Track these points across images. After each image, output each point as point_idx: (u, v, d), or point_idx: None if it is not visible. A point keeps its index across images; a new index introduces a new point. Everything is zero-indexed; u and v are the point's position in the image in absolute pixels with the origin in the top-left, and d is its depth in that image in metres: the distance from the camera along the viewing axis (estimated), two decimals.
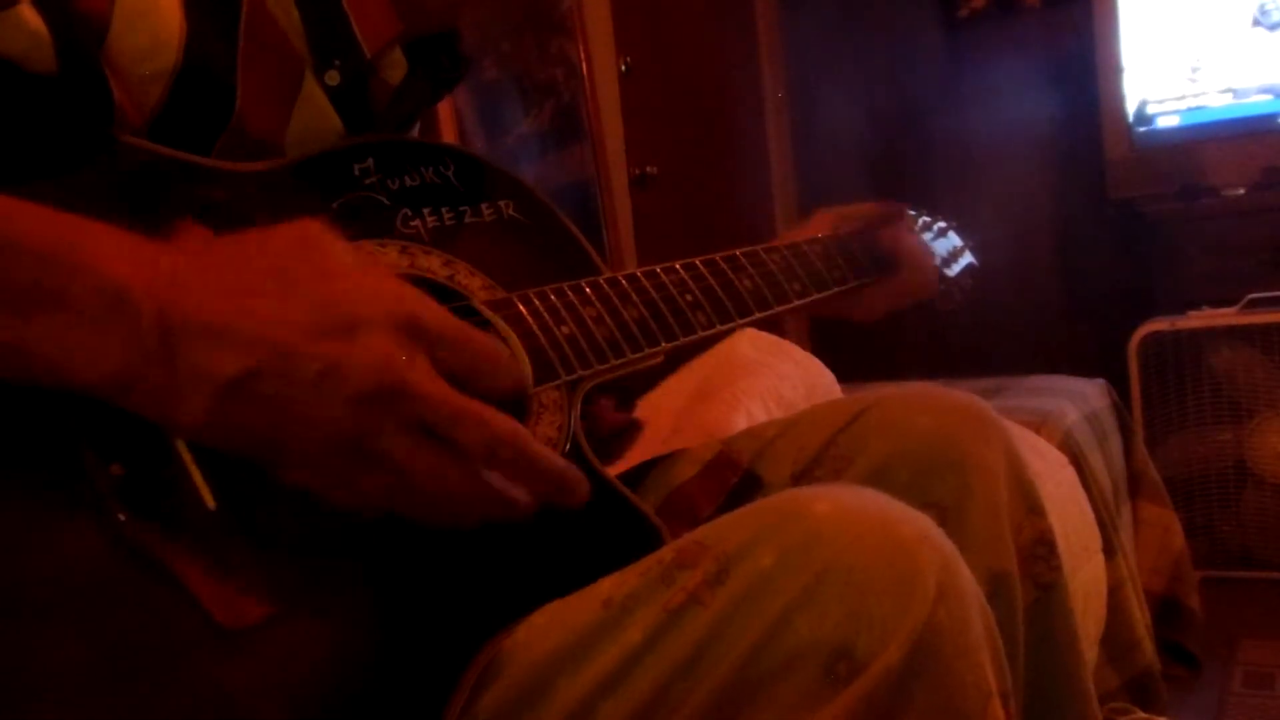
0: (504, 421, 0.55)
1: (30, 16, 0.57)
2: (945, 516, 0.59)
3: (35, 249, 0.49)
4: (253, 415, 0.51)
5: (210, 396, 0.50)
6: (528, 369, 0.70)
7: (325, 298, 0.53)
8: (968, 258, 1.29)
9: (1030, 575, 0.81)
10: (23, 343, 0.49)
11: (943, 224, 1.28)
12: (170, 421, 0.52)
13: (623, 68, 2.69)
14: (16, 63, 0.58)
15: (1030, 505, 0.82)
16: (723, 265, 0.89)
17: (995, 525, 0.78)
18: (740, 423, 1.71)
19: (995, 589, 0.76)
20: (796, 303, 0.94)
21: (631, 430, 1.68)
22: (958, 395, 0.84)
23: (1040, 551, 0.81)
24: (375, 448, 0.53)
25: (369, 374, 0.52)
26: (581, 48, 2.47)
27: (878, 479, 0.78)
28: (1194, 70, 2.88)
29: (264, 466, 0.54)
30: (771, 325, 1.85)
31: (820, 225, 1.05)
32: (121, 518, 0.52)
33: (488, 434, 0.55)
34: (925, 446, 0.80)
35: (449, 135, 1.97)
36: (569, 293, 0.76)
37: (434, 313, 0.56)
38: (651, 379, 1.86)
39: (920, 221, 1.24)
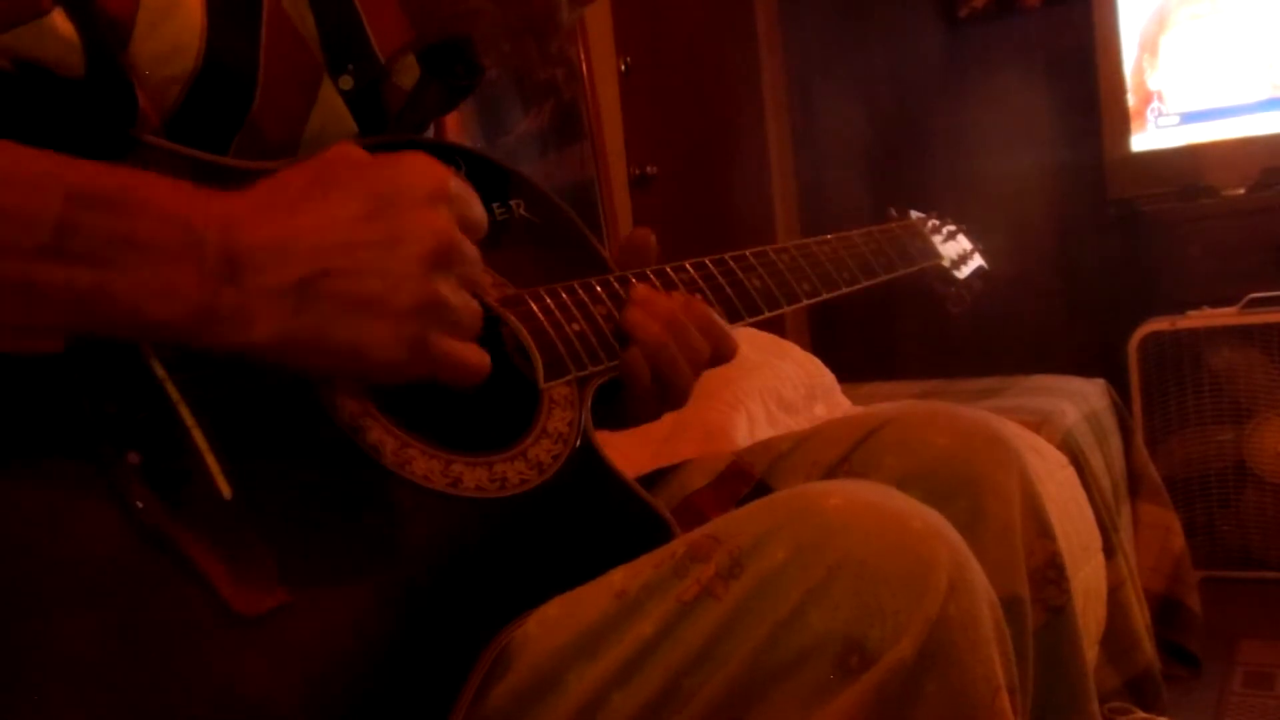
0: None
1: (61, 23, 0.58)
2: None
3: (98, 197, 0.51)
4: (326, 316, 0.54)
5: (282, 308, 0.53)
6: (538, 360, 0.72)
7: (364, 189, 0.57)
8: (977, 260, 1.30)
9: (1041, 598, 0.81)
10: (102, 289, 0.50)
11: (952, 226, 1.28)
12: (249, 342, 0.54)
13: (623, 68, 2.70)
14: (48, 68, 0.58)
15: (1041, 529, 0.82)
16: (732, 264, 0.89)
17: (1008, 548, 0.78)
18: (740, 422, 1.71)
19: (1007, 611, 0.76)
20: (805, 302, 0.94)
21: None
22: (974, 415, 0.84)
23: (1051, 575, 0.82)
24: (445, 302, 0.57)
25: (429, 237, 0.57)
26: (581, 48, 2.47)
27: None
28: (1194, 70, 2.89)
29: (342, 373, 0.58)
30: (772, 325, 1.85)
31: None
32: (139, 505, 0.52)
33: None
34: (940, 466, 0.79)
35: (450, 134, 1.97)
36: (579, 290, 0.77)
37: (455, 178, 0.60)
38: None
39: (930, 223, 1.24)
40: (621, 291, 0.80)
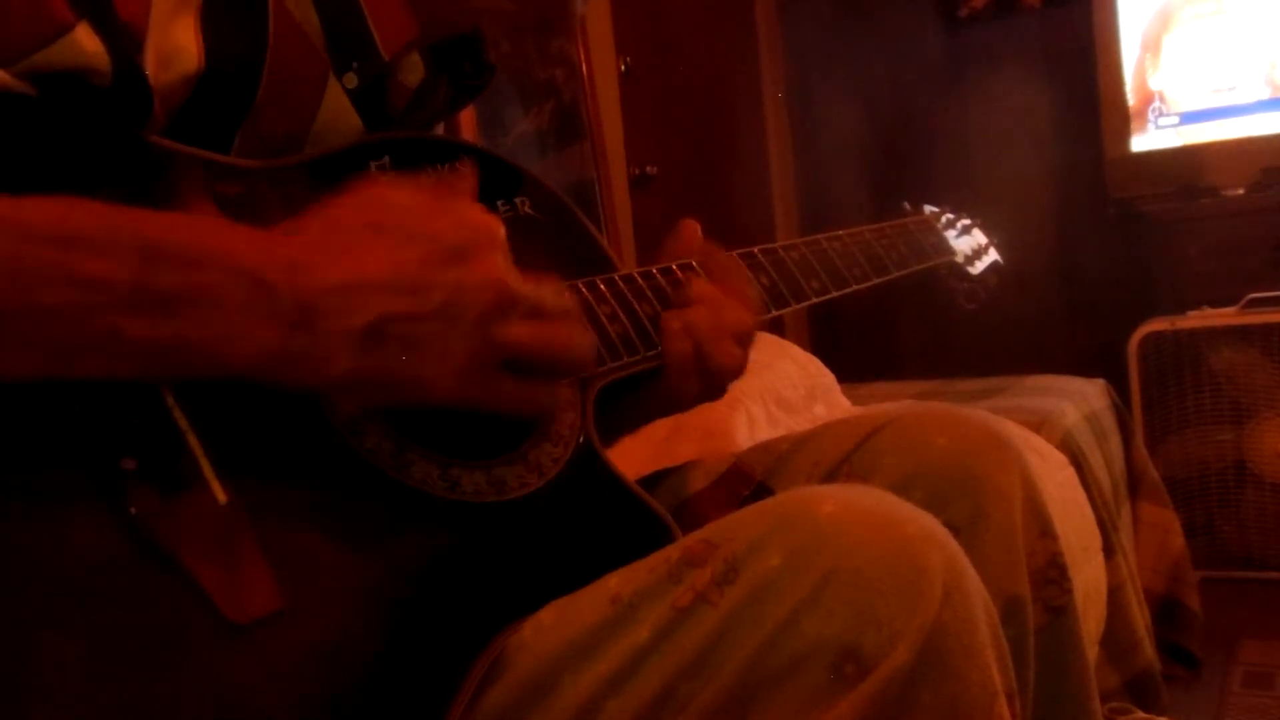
0: (560, 286, 0.68)
1: (86, 37, 0.58)
2: (959, 538, 0.59)
3: (170, 252, 0.53)
4: (392, 356, 0.57)
5: (353, 350, 0.56)
6: None
7: (425, 233, 0.59)
8: (992, 255, 1.29)
9: (1042, 599, 0.81)
10: (182, 340, 0.53)
11: (967, 221, 1.28)
12: (322, 381, 0.57)
13: (623, 68, 2.70)
14: (79, 78, 0.59)
15: (1043, 529, 0.82)
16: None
17: (1009, 548, 0.78)
18: (740, 423, 1.71)
19: (1008, 612, 0.76)
20: (815, 299, 0.94)
21: None
22: (975, 416, 0.84)
23: (1052, 575, 0.81)
24: (506, 353, 0.61)
25: (486, 292, 0.59)
26: (581, 48, 2.47)
27: None
28: (1195, 71, 2.89)
29: (411, 404, 0.60)
30: (772, 325, 1.85)
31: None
32: (133, 511, 0.52)
33: (565, 294, 0.67)
34: (941, 467, 0.79)
35: (450, 134, 1.97)
36: (583, 290, 0.77)
37: (498, 223, 0.63)
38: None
39: (944, 218, 1.23)
40: (627, 290, 0.79)
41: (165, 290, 0.52)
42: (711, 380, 0.82)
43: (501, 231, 0.62)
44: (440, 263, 0.58)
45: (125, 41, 0.60)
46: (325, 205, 0.60)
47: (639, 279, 0.81)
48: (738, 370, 0.82)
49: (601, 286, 0.78)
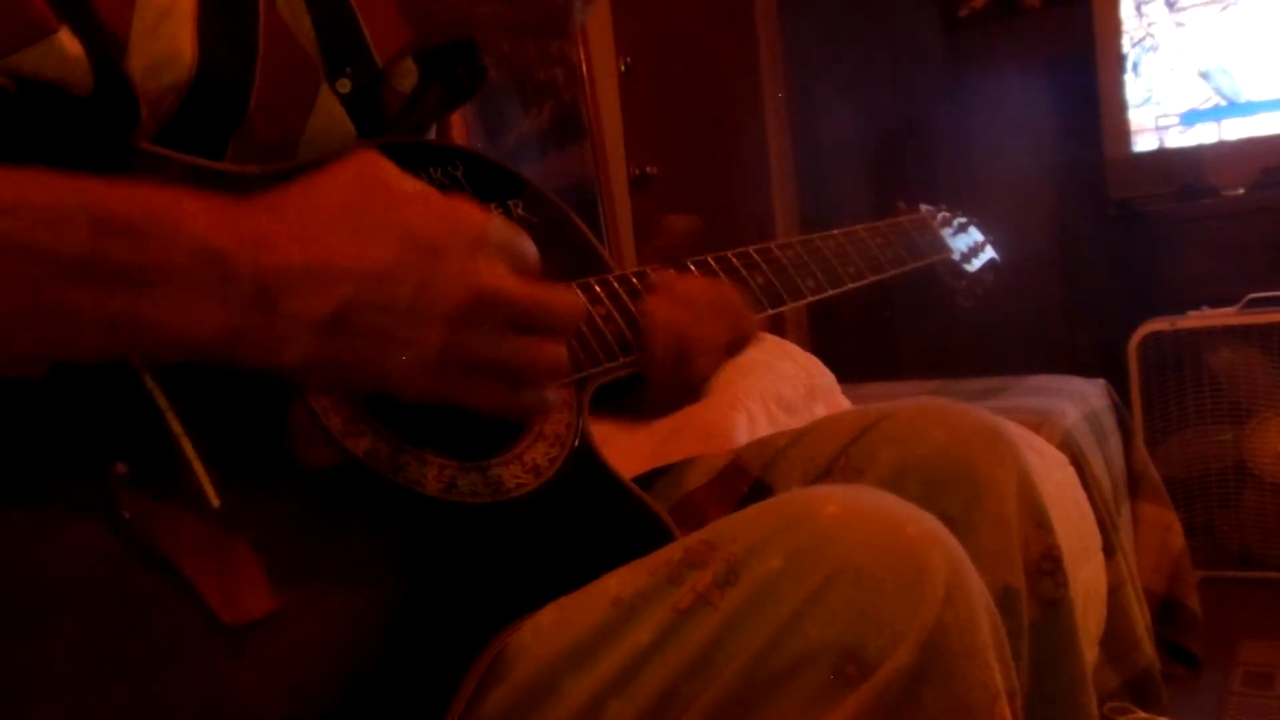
0: (576, 297, 0.66)
1: (68, 41, 0.58)
2: (954, 530, 0.59)
3: (125, 223, 0.51)
4: (356, 348, 0.54)
5: (312, 336, 0.53)
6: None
7: (402, 225, 0.56)
8: (989, 253, 1.29)
9: (1037, 591, 0.81)
10: (132, 315, 0.51)
11: (963, 219, 1.28)
12: (278, 366, 0.54)
13: (623, 68, 2.69)
14: (57, 86, 0.58)
15: (1038, 521, 0.82)
16: (735, 262, 0.89)
17: (1004, 541, 0.78)
18: (740, 422, 1.71)
19: (1002, 604, 0.76)
20: (810, 298, 0.94)
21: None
22: (970, 410, 0.84)
23: (1047, 567, 0.81)
24: (475, 357, 0.57)
25: (458, 290, 0.56)
26: (581, 48, 2.47)
27: (888, 491, 0.78)
28: (1194, 70, 2.89)
29: (370, 393, 0.58)
30: (772, 325, 1.84)
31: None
32: (126, 514, 0.52)
33: (576, 310, 0.63)
34: (936, 460, 0.80)
35: (453, 135, 1.97)
36: (578, 291, 0.76)
37: (495, 221, 0.60)
38: None
39: (940, 217, 1.24)
40: (621, 291, 0.80)
41: (116, 263, 0.50)
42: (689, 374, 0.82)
43: (495, 233, 0.59)
44: (413, 256, 0.56)
45: (109, 47, 0.60)
46: (313, 177, 0.58)
47: (634, 280, 0.81)
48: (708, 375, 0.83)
49: (596, 288, 0.78)
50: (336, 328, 0.54)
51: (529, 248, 0.61)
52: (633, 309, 0.79)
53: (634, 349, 0.78)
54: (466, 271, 0.57)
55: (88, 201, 0.51)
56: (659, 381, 0.81)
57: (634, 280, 0.81)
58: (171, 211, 0.52)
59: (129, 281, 0.50)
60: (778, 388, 1.88)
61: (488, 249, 0.58)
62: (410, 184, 0.59)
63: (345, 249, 0.54)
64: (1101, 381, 2.29)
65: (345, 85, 0.75)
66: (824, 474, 0.84)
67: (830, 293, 0.96)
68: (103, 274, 0.50)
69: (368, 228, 0.56)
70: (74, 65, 0.58)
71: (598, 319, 0.77)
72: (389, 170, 0.59)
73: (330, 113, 0.74)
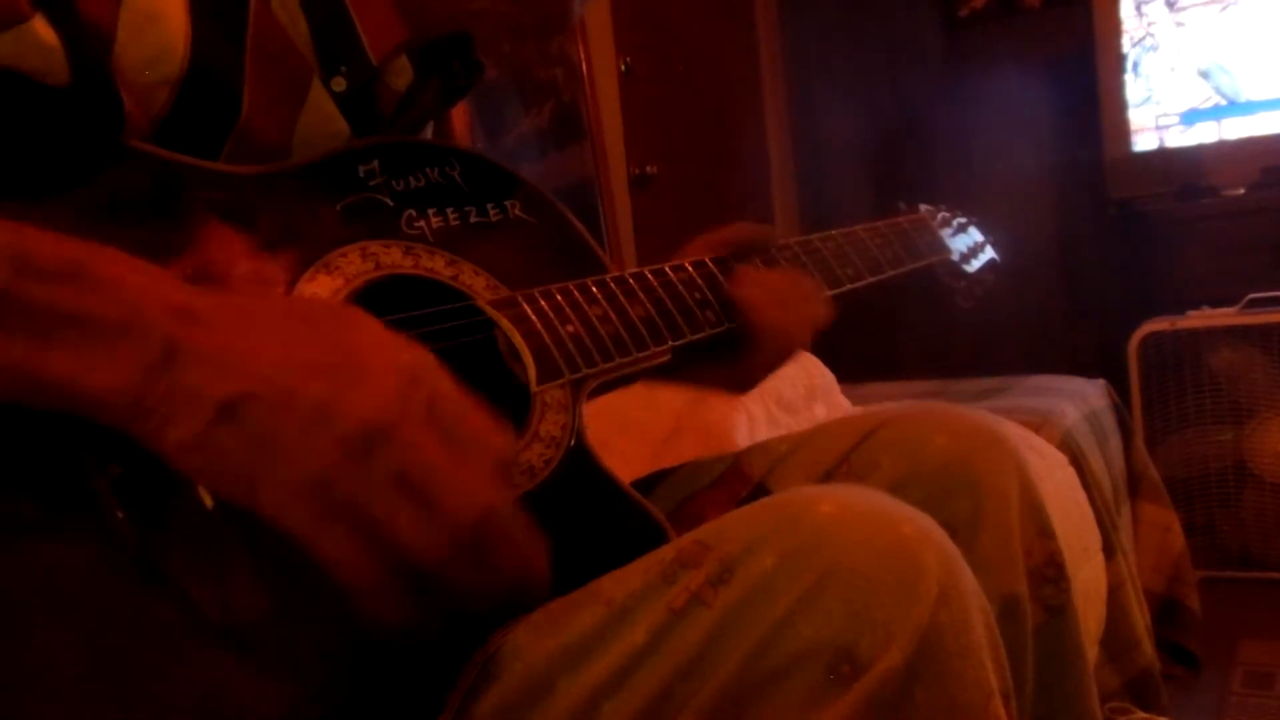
0: (501, 502, 0.53)
1: (43, 30, 0.57)
2: (957, 537, 0.59)
3: (49, 270, 0.49)
4: (237, 443, 0.49)
5: (200, 418, 0.49)
6: (530, 362, 0.71)
7: (337, 344, 0.53)
8: (989, 253, 1.29)
9: (1039, 598, 0.81)
10: (34, 362, 0.48)
11: (963, 219, 1.28)
12: (160, 441, 0.50)
13: (623, 68, 2.70)
14: (30, 76, 0.58)
15: (1041, 528, 0.82)
16: (732, 263, 0.89)
17: (1006, 548, 0.78)
18: (740, 423, 1.71)
19: (1005, 611, 0.76)
20: None
21: None
22: (973, 416, 0.84)
23: (1049, 574, 0.81)
24: (349, 497, 0.50)
25: (360, 415, 0.50)
26: (581, 47, 2.47)
27: None
28: (1194, 70, 2.89)
29: (236, 503, 0.51)
30: None
31: (695, 250, 0.93)
32: (119, 516, 0.52)
33: (479, 509, 0.52)
34: (939, 466, 0.80)
35: (453, 134, 1.97)
36: (574, 291, 0.76)
37: (441, 375, 0.54)
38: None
39: (940, 217, 1.24)
40: (619, 291, 0.80)
41: (30, 307, 0.48)
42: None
43: (425, 370, 0.54)
44: (329, 373, 0.51)
45: (90, 40, 0.60)
46: (269, 294, 0.56)
47: (630, 280, 0.81)
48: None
49: (593, 288, 0.78)
50: (229, 414, 0.49)
51: (476, 421, 0.55)
52: (630, 312, 0.79)
53: (631, 351, 0.78)
54: (376, 402, 0.51)
55: (14, 242, 0.49)
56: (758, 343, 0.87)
57: (630, 280, 0.81)
58: (104, 266, 0.51)
59: (39, 327, 0.48)
60: (777, 388, 1.88)
61: (417, 394, 0.52)
62: (377, 325, 0.55)
63: (267, 350, 0.51)
64: (1101, 381, 2.29)
65: (340, 83, 0.75)
66: (826, 480, 0.84)
67: (829, 293, 0.96)
68: (11, 317, 0.48)
69: (297, 336, 0.53)
70: (49, 55, 0.58)
71: (594, 319, 0.76)
72: (350, 307, 0.56)
73: (322, 110, 0.74)
